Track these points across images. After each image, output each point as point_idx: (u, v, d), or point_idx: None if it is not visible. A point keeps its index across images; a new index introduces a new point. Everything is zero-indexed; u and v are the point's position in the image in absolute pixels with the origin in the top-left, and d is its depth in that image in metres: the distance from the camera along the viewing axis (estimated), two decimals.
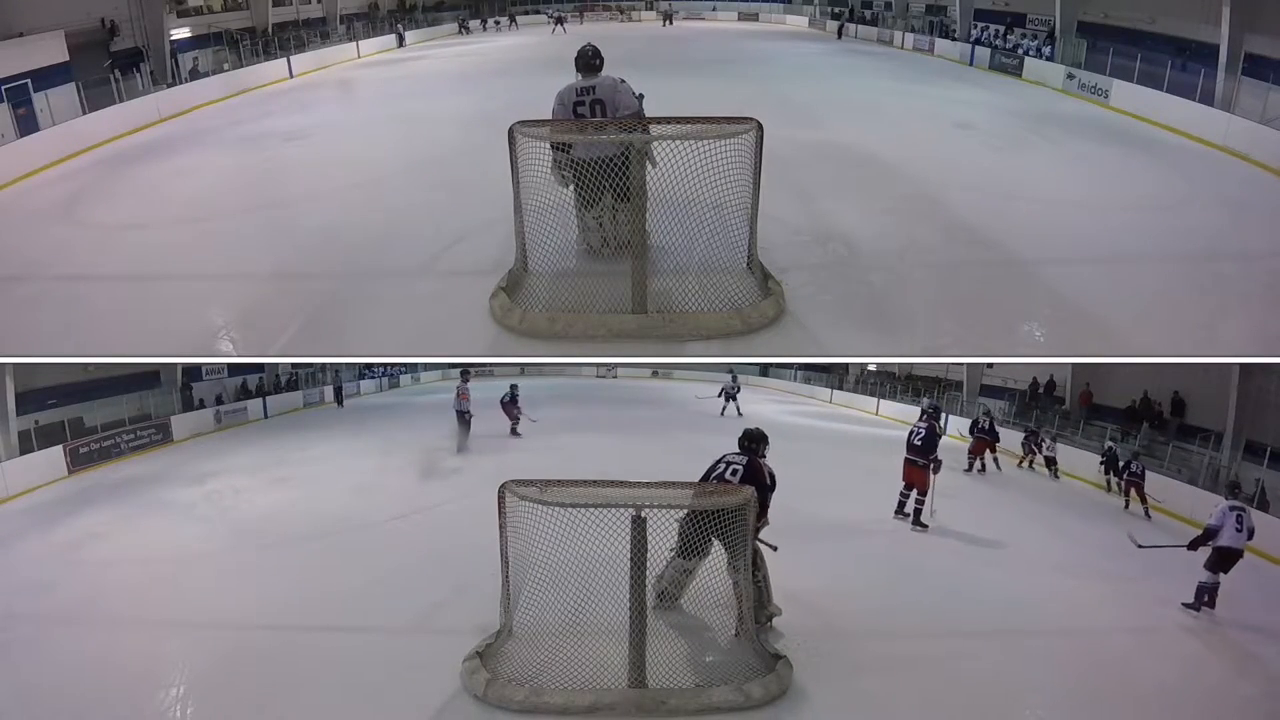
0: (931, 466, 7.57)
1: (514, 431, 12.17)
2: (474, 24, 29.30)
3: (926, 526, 7.46)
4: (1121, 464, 10.18)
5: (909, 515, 7.56)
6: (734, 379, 15.80)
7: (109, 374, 12.91)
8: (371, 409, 17.31)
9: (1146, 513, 9.39)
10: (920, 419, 7.93)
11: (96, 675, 4.47)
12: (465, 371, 11.26)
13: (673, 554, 4.69)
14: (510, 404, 12.37)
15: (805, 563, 5.58)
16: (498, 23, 30.24)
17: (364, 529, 7.29)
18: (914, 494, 7.59)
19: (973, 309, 5.23)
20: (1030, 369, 15.35)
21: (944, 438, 8.50)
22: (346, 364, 18.87)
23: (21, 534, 7.44)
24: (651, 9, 32.35)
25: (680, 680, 4.16)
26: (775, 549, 4.93)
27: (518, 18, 30.91)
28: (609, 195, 4.91)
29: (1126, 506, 9.64)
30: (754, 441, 4.99)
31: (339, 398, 17.97)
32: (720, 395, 15.44)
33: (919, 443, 7.62)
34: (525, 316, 4.68)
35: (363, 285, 5.61)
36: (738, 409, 15.14)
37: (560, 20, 27.90)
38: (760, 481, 4.69)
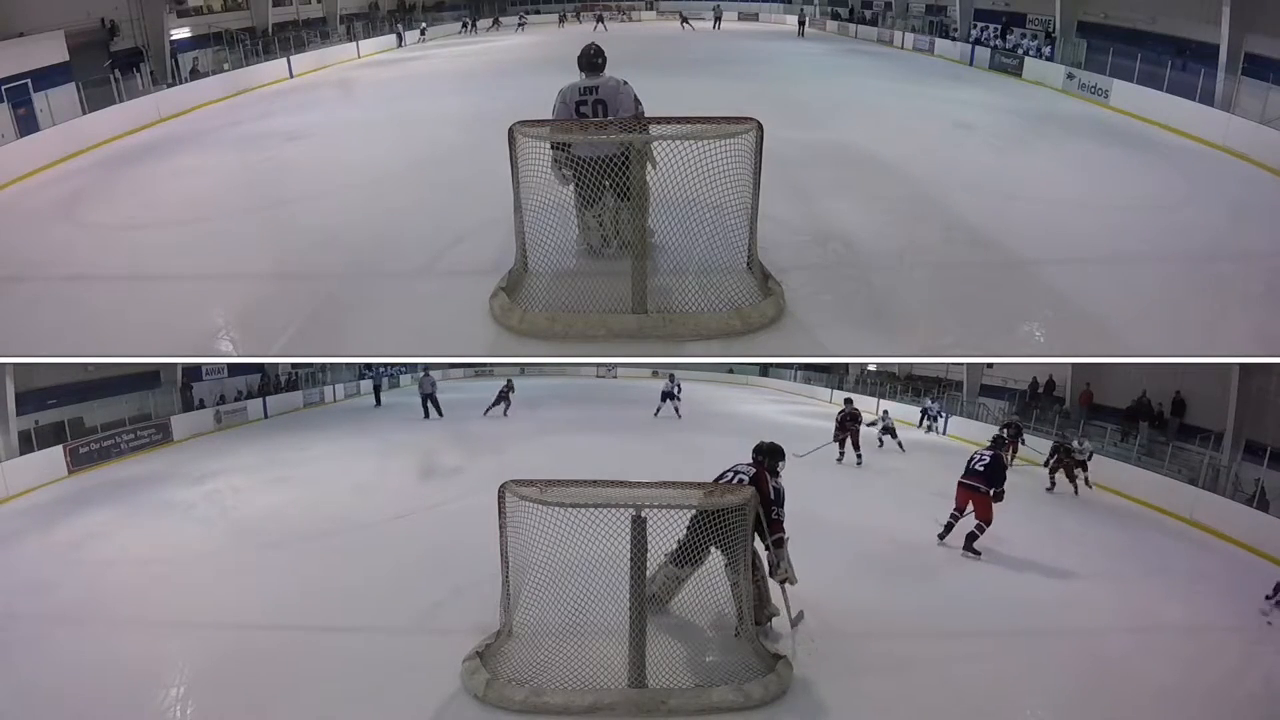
0: (993, 495, 6.78)
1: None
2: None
3: (979, 554, 6.74)
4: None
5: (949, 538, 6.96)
6: (672, 379, 15.25)
7: (109, 374, 12.89)
8: (372, 409, 17.30)
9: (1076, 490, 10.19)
10: (989, 445, 7.32)
11: (96, 675, 4.47)
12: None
13: (666, 559, 4.68)
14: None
15: (805, 563, 5.55)
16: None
17: (364, 529, 7.29)
18: (966, 518, 6.93)
19: (973, 309, 5.22)
20: (1030, 369, 15.35)
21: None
22: (347, 364, 18.89)
23: (21, 534, 7.43)
24: (652, 8, 31.13)
25: (680, 680, 4.16)
26: (795, 583, 4.93)
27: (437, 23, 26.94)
28: (610, 194, 4.91)
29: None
30: (762, 454, 5.02)
31: (378, 397, 17.95)
32: (661, 398, 15.00)
33: (980, 469, 6.89)
34: (525, 316, 4.67)
35: (363, 285, 5.59)
36: (676, 409, 14.74)
37: (600, 18, 26.56)
38: (763, 493, 4.68)
